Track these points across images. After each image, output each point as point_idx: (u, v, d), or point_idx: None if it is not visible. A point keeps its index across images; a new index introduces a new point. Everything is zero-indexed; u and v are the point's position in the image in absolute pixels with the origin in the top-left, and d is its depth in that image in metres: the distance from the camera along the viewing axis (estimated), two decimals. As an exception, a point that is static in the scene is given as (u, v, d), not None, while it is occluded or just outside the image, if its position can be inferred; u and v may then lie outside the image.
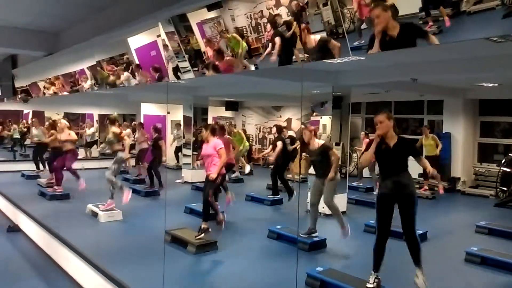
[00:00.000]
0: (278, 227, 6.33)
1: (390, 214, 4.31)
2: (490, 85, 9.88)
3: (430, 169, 4.36)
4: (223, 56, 6.03)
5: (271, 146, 9.38)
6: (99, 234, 6.56)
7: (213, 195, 5.93)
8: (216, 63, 6.10)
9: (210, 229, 5.81)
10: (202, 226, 5.78)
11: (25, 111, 15.58)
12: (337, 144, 8.60)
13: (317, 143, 6.00)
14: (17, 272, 4.98)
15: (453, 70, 6.64)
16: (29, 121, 14.35)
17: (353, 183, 10.81)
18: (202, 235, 5.70)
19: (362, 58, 6.17)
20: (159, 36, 7.35)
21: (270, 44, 5.39)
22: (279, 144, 8.80)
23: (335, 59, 6.29)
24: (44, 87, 7.96)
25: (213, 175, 5.70)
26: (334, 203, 5.92)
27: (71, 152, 8.72)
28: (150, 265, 4.97)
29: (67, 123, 8.95)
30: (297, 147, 9.62)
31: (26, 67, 6.70)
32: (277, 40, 5.14)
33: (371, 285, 4.21)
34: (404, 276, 4.79)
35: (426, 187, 10.18)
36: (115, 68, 8.03)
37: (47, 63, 6.36)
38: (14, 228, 6.56)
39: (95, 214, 7.23)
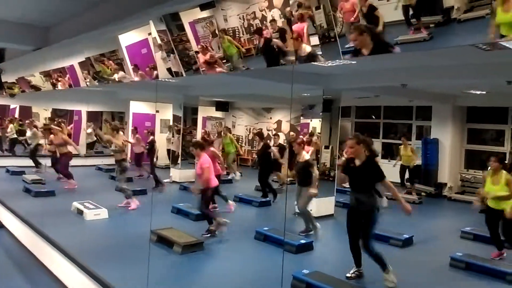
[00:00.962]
0: (265, 228, 6.32)
1: (355, 224, 4.73)
2: (478, 92, 9.99)
3: (393, 192, 4.77)
4: (214, 68, 6.03)
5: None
6: (84, 233, 6.48)
7: (207, 204, 6.42)
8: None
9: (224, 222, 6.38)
10: (211, 228, 6.31)
11: (11, 106, 15.34)
12: (327, 147, 8.63)
13: (303, 156, 6.56)
14: (3, 270, 4.90)
15: (443, 76, 6.72)
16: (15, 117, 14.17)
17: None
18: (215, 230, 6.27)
19: (353, 62, 6.20)
20: (150, 34, 7.27)
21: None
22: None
23: (326, 62, 6.32)
24: (53, 82, 7.94)
25: (195, 190, 6.38)
26: (307, 210, 6.49)
27: (66, 155, 9.11)
28: (135, 265, 4.92)
29: (59, 128, 9.18)
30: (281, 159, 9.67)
31: (14, 61, 6.59)
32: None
33: (349, 275, 4.77)
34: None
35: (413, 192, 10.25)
36: (114, 65, 8.01)
37: (36, 58, 6.25)
38: (-3, 225, 6.48)
39: (80, 212, 7.15)
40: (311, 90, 7.98)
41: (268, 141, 9.83)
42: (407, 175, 10.56)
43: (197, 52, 5.43)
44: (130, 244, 5.78)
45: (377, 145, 13.45)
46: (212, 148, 7.70)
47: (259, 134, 10.09)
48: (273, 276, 4.81)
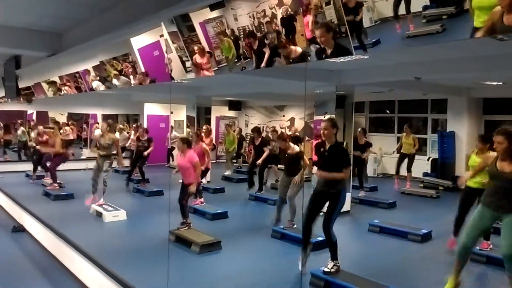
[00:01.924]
0: (282, 226, 6.32)
1: (317, 206, 4.81)
2: (495, 83, 9.82)
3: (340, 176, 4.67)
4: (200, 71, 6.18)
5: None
6: (104, 234, 6.59)
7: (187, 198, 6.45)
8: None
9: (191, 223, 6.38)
10: (186, 221, 6.35)
11: (29, 112, 15.62)
12: (341, 143, 8.58)
13: (293, 148, 6.65)
14: (22, 272, 5.00)
15: (457, 69, 6.62)
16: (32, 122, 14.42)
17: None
18: (185, 228, 6.27)
19: (365, 57, 6.15)
20: (162, 36, 7.32)
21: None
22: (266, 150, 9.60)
23: (338, 58, 6.29)
24: (59, 87, 8.14)
25: (193, 189, 6.23)
26: (294, 201, 6.44)
27: (60, 156, 9.30)
28: (154, 265, 4.99)
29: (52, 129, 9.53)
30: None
31: (30, 68, 6.71)
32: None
33: (328, 269, 4.57)
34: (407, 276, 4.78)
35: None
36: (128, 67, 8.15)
37: (50, 64, 6.36)
38: (18, 228, 6.59)
39: (99, 214, 7.26)
40: (324, 86, 7.93)
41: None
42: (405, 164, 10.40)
43: (192, 53, 5.43)
44: (149, 245, 5.85)
45: (392, 139, 13.37)
46: (203, 144, 7.93)
47: (257, 129, 10.50)
48: (291, 274, 4.84)
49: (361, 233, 6.86)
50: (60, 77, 8.27)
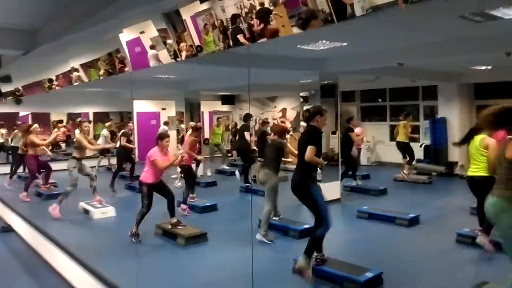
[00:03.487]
0: (275, 219, 6.30)
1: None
2: (483, 68, 9.80)
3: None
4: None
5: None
6: (91, 231, 6.60)
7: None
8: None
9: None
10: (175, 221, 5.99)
11: (21, 114, 15.30)
12: (333, 133, 8.56)
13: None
14: (7, 270, 5.00)
15: (439, 53, 6.60)
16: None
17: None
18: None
19: (343, 44, 6.14)
20: (142, 32, 7.30)
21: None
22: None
23: (318, 46, 6.28)
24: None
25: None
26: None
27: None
28: (138, 259, 5.01)
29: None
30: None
31: (11, 67, 6.66)
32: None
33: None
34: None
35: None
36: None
37: (34, 61, 6.30)
38: (7, 229, 6.60)
39: (86, 212, 7.28)
40: (307, 75, 7.92)
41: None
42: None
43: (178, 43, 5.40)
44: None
45: (384, 128, 13.36)
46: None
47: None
48: (279, 263, 4.84)
49: (350, 220, 6.87)
50: (57, 76, 8.21)
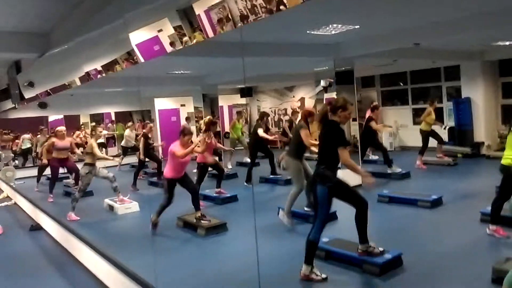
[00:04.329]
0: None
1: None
2: (508, 43, 9.47)
3: None
4: None
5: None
6: (115, 226, 6.78)
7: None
8: None
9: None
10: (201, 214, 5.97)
11: (51, 118, 15.58)
12: (354, 120, 8.48)
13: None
14: (37, 267, 5.18)
15: (456, 30, 6.42)
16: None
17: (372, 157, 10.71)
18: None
19: (356, 27, 6.05)
20: (160, 30, 7.38)
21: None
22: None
23: (329, 30, 6.20)
24: None
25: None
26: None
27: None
28: (161, 251, 5.11)
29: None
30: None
31: (31, 72, 6.82)
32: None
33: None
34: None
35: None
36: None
37: (54, 66, 6.44)
38: (36, 227, 6.83)
39: (111, 208, 7.48)
40: (321, 62, 7.84)
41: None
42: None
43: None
44: (158, 233, 5.95)
45: (407, 111, 13.10)
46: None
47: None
48: (297, 249, 4.83)
49: (370, 204, 6.71)
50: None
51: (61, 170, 9.59)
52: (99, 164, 7.43)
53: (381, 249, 4.22)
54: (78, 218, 7.03)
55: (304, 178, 5.72)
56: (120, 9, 5.02)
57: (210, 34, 7.12)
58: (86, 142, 10.85)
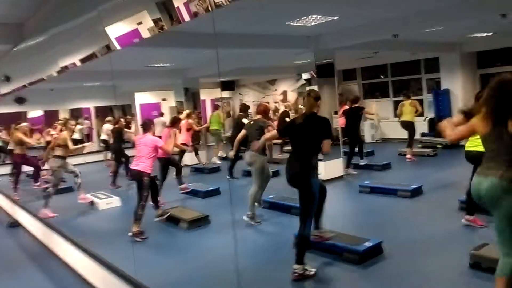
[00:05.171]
0: (271, 196, 6.32)
1: None
2: (484, 34, 9.63)
3: None
4: None
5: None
6: (97, 221, 6.69)
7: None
8: None
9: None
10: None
11: (31, 114, 15.18)
12: (336, 113, 8.50)
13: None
14: (16, 262, 5.09)
15: (433, 21, 6.49)
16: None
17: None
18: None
19: (335, 18, 6.06)
20: (140, 23, 7.28)
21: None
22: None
23: (309, 21, 6.20)
24: None
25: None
26: None
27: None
28: (142, 243, 5.06)
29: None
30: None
31: (5, 67, 6.62)
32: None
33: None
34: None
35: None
36: None
37: (29, 60, 6.26)
38: (14, 224, 6.70)
39: (92, 203, 7.41)
40: (302, 54, 7.83)
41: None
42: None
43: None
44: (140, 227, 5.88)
45: (388, 104, 13.24)
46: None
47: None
48: (281, 239, 4.85)
49: (351, 195, 6.88)
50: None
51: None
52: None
53: (332, 234, 4.37)
54: (55, 214, 6.85)
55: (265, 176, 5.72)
56: (92, 1, 4.94)
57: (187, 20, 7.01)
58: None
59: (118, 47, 8.04)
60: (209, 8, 6.52)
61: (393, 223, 5.30)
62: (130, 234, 5.31)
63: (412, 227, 5.04)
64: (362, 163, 8.82)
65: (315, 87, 7.86)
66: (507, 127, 2.61)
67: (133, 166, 5.53)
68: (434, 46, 10.45)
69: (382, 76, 13.73)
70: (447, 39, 10.18)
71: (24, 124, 8.73)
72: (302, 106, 4.22)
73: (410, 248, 4.36)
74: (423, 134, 11.59)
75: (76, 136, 12.60)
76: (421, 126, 11.65)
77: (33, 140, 9.22)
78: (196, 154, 10.57)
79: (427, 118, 11.89)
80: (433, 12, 6.14)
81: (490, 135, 2.72)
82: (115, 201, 7.34)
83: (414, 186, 6.33)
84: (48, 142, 9.77)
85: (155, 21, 7.26)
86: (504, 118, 2.63)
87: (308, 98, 3.99)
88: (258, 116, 5.91)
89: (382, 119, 13.30)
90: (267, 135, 5.07)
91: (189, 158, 10.57)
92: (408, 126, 9.25)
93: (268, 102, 14.56)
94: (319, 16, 5.97)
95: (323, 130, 3.93)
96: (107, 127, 11.23)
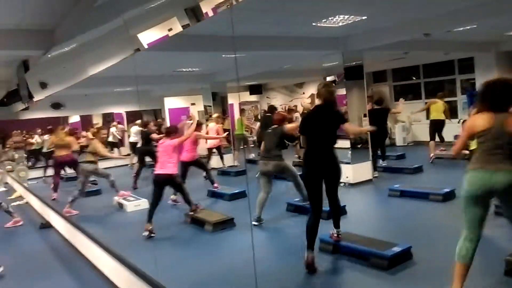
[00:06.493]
0: (296, 199, 6.23)
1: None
2: (521, 32, 9.25)
3: None
4: None
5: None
6: (124, 224, 6.77)
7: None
8: None
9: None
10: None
11: (72, 119, 15.63)
12: (365, 116, 8.34)
13: None
14: (47, 264, 5.20)
15: (466, 19, 6.26)
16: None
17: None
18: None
19: (363, 18, 5.93)
20: (170, 29, 7.38)
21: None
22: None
23: (336, 22, 6.09)
24: None
25: None
26: None
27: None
28: (166, 246, 5.08)
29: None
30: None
31: (41, 73, 6.81)
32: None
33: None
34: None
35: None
36: None
37: (73, 66, 6.42)
38: (46, 225, 6.87)
39: (121, 206, 7.53)
40: (329, 55, 7.70)
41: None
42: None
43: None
44: (166, 229, 5.93)
45: (420, 106, 12.82)
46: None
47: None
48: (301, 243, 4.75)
49: (380, 199, 6.69)
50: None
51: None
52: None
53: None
54: (77, 212, 7.31)
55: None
56: (120, 8, 5.01)
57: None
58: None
59: (145, 47, 8.13)
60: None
61: (423, 228, 5.10)
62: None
63: (443, 232, 4.82)
64: (384, 165, 8.70)
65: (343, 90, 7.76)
66: (507, 122, 2.85)
67: (159, 171, 5.63)
68: (468, 45, 10.10)
69: (414, 78, 13.39)
70: (482, 38, 9.81)
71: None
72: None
73: (441, 254, 4.16)
74: (456, 137, 11.19)
75: (110, 139, 12.95)
76: (455, 128, 11.26)
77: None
78: (221, 158, 10.62)
79: (461, 120, 11.46)
80: (466, 9, 5.92)
81: (490, 131, 2.90)
82: (142, 203, 7.41)
83: (446, 190, 6.09)
84: (82, 147, 10.12)
85: (184, 27, 7.34)
86: (504, 113, 2.89)
87: (319, 89, 4.13)
88: (275, 126, 5.84)
89: (414, 122, 12.95)
90: (290, 125, 5.65)
91: (215, 162, 10.64)
92: (441, 124, 9.38)
93: (295, 106, 14.45)
94: (346, 16, 5.85)
95: (336, 117, 4.11)
96: (135, 129, 11.42)
